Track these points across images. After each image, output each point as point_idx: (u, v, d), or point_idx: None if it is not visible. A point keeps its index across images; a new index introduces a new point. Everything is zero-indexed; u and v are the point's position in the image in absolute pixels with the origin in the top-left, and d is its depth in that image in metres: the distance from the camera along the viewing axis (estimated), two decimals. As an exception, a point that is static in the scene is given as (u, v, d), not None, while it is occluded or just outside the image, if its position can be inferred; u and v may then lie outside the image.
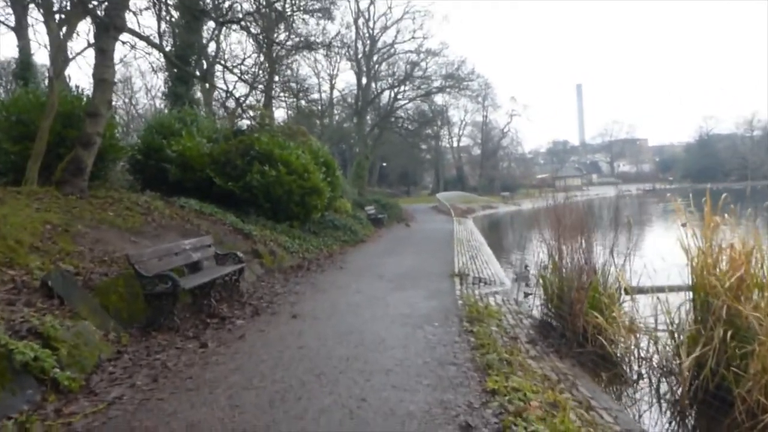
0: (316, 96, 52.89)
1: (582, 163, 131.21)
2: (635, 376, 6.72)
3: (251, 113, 22.29)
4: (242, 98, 29.39)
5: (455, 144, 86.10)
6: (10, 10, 23.63)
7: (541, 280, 9.03)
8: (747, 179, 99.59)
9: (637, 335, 6.91)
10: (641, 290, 7.58)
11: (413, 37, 43.11)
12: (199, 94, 29.82)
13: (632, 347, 6.87)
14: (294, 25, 31.62)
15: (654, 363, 6.71)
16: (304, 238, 16.51)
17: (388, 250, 16.90)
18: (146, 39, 17.49)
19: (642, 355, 6.85)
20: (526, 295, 10.82)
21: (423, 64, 44.28)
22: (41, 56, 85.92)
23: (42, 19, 22.97)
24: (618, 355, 6.90)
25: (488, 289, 11.30)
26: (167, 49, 24.79)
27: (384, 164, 66.44)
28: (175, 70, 24.88)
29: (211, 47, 31.50)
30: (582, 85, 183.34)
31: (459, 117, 78.81)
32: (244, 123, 23.37)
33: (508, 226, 40.34)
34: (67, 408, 4.56)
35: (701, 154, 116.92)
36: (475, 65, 78.84)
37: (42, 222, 8.62)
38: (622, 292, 7.67)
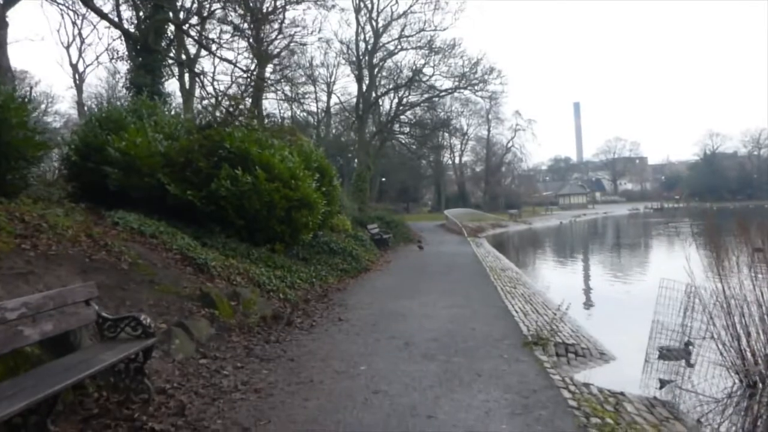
0: (312, 105, 48.70)
1: (585, 181, 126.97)
2: None
3: (227, 103, 17.64)
4: (225, 98, 24.87)
5: (457, 160, 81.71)
6: None
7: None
8: (753, 198, 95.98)
9: None
10: None
11: (422, 30, 38.38)
12: (172, 88, 25.46)
13: None
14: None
15: None
16: (290, 267, 11.96)
17: (404, 286, 12.31)
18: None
19: None
20: (663, 384, 6.30)
21: (431, 61, 39.64)
22: None
23: None
24: None
25: (588, 367, 6.80)
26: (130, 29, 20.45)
27: (383, 179, 61.99)
28: (140, 59, 20.49)
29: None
30: (580, 103, 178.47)
31: (461, 132, 74.27)
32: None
33: (528, 247, 35.74)
34: None
35: (707, 172, 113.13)
36: (495, 63, 73.70)
37: None
38: None
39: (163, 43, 20.73)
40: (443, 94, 42.80)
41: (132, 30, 20.80)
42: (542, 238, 42.26)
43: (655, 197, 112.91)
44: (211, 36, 26.67)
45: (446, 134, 60.00)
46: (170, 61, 22.52)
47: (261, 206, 12.25)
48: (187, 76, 28.57)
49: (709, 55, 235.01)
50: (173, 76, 26.04)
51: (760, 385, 5.81)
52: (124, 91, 21.79)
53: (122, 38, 20.38)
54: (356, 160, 43.98)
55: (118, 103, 19.62)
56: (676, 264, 19.53)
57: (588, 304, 13.26)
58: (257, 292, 9.47)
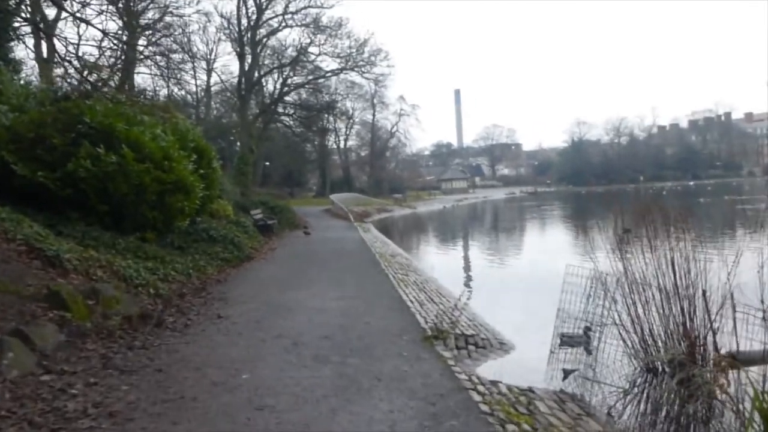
0: (191, 84, 45.84)
1: (466, 166, 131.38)
2: None
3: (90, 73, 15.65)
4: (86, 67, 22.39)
5: (342, 144, 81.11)
6: None
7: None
8: (614, 182, 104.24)
9: None
10: None
11: (308, 7, 36.89)
12: (24, 53, 22.58)
13: None
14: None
15: None
16: (163, 258, 10.76)
17: (291, 276, 11.51)
18: None
19: None
20: (566, 375, 6.05)
21: (317, 40, 38.38)
22: None
23: None
24: None
25: (490, 359, 6.47)
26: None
27: (267, 163, 60.04)
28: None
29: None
30: (460, 91, 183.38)
31: (347, 115, 73.53)
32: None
33: (414, 232, 36.05)
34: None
35: (575, 158, 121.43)
36: (383, 44, 73.17)
37: None
38: None
39: (12, 1, 18.11)
40: (329, 75, 41.91)
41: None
42: (427, 222, 42.92)
43: (530, 182, 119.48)
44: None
45: (331, 117, 59.23)
46: (21, 22, 19.83)
47: (129, 190, 10.95)
48: (45, 43, 25.54)
49: (574, 45, 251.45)
50: (19, 39, 22.88)
51: (660, 370, 5.71)
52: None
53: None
54: (239, 143, 42.04)
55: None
56: (552, 246, 20.24)
57: (477, 289, 13.18)
58: (122, 287, 8.29)
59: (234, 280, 11.01)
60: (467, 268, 18.32)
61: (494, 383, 5.13)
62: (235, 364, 5.46)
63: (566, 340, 6.60)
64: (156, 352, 5.92)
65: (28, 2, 20.84)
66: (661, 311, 5.65)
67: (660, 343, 5.74)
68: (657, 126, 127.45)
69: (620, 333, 5.90)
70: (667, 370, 5.56)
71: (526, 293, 11.59)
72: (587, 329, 6.50)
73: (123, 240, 10.60)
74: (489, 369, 6.02)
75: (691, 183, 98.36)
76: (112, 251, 9.88)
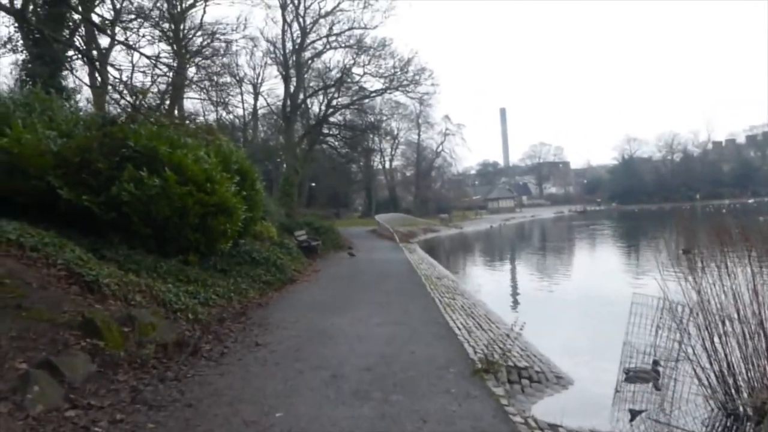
0: (238, 108, 46.68)
1: (512, 185, 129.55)
2: None
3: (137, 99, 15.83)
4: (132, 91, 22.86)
5: (388, 164, 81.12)
6: None
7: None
8: (668, 200, 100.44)
9: None
10: None
11: (351, 28, 37.24)
12: (76, 80, 23.13)
13: None
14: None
15: None
16: (204, 281, 10.60)
17: (334, 299, 11.16)
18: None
19: None
20: (633, 416, 5.44)
21: (361, 61, 38.50)
22: None
23: None
24: None
25: (546, 395, 5.90)
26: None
27: (313, 184, 60.47)
28: (35, 49, 18.37)
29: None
30: (506, 109, 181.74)
31: (392, 135, 73.64)
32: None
33: (461, 253, 35.33)
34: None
35: (625, 175, 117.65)
36: (427, 63, 73.26)
37: None
38: None
39: (66, 32, 18.69)
40: (373, 95, 41.87)
41: (29, 16, 18.70)
42: (474, 242, 42.13)
43: (578, 200, 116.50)
44: (124, 27, 24.75)
45: (376, 138, 59.30)
46: (74, 53, 20.44)
47: (171, 213, 10.87)
48: (98, 71, 26.36)
49: (622, 60, 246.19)
50: (71, 70, 23.59)
51: (743, 413, 5.03)
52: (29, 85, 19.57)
53: (15, 24, 18.27)
54: (285, 165, 42.42)
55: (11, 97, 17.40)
56: (604, 268, 19.31)
57: (528, 315, 12.49)
58: (160, 313, 8.10)
59: (275, 304, 10.74)
60: (516, 291, 17.61)
61: (553, 427, 4.60)
62: (270, 399, 5.09)
63: (632, 376, 5.98)
64: (188, 384, 5.61)
65: (82, 33, 21.57)
66: (743, 346, 4.99)
67: (741, 383, 5.07)
68: (712, 142, 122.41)
69: (694, 369, 5.26)
70: (750, 414, 4.90)
71: (581, 319, 10.93)
72: (656, 363, 5.87)
73: (165, 263, 10.50)
74: (546, 408, 5.47)
75: (751, 200, 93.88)
76: (154, 275, 9.77)
